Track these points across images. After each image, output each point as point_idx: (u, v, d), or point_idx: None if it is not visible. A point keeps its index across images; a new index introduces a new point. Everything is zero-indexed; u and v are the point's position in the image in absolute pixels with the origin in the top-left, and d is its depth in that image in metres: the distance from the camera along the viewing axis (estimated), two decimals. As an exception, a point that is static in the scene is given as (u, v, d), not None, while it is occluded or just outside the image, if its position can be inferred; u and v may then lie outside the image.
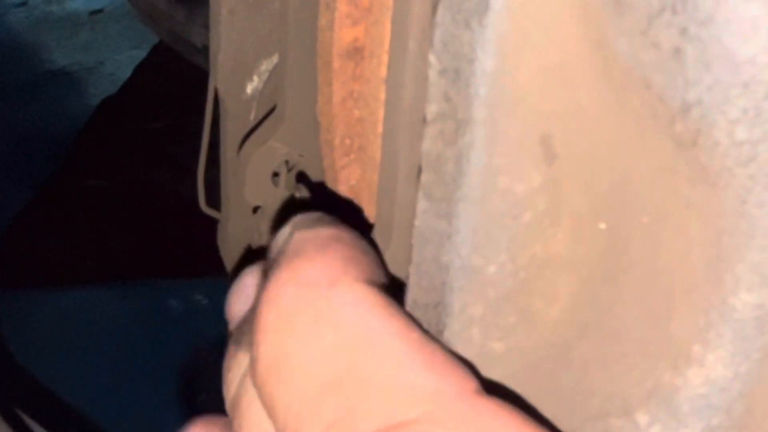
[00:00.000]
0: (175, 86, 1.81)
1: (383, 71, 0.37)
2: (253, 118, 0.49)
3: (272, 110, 0.47)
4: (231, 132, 0.49)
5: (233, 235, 0.50)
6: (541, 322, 0.30)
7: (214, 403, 0.38)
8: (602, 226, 0.29)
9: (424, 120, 0.29)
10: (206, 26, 0.50)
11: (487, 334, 0.30)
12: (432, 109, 0.28)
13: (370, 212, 0.41)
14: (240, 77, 0.49)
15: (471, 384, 0.27)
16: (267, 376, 0.29)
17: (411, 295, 0.31)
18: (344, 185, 0.44)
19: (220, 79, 0.49)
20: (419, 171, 0.30)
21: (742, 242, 0.25)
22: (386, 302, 0.29)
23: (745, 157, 0.23)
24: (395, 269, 0.34)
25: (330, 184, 0.44)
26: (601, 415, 0.29)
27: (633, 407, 0.28)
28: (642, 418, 0.28)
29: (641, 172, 0.27)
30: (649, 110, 0.24)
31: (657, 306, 0.28)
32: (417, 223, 0.30)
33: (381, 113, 0.37)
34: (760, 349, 0.26)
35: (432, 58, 0.28)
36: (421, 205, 0.30)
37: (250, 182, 0.46)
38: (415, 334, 0.28)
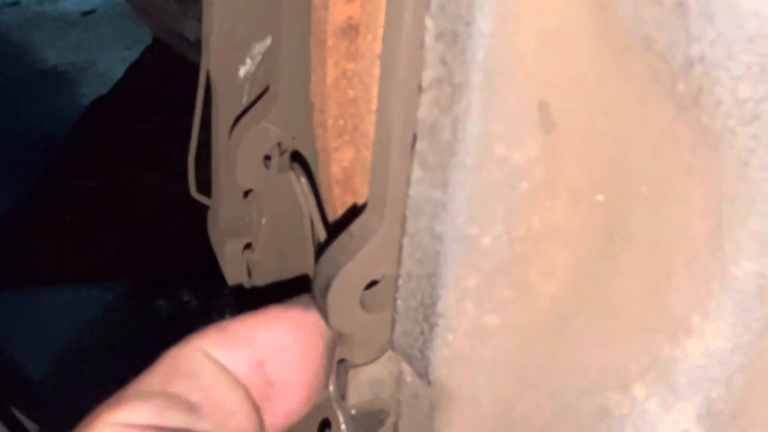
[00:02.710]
0: (166, 87, 1.81)
1: (378, 47, 0.36)
2: (245, 101, 0.48)
3: (265, 92, 0.46)
4: (223, 115, 0.48)
5: (224, 219, 0.49)
6: (537, 297, 0.30)
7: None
8: (600, 198, 0.29)
9: (419, 88, 0.29)
10: (199, 20, 0.49)
11: (481, 308, 0.29)
12: (428, 75, 0.28)
13: (363, 192, 0.41)
14: (232, 60, 0.48)
15: None
16: None
17: (404, 268, 0.31)
18: (337, 166, 0.43)
19: (212, 61, 0.48)
20: (414, 141, 0.30)
21: (743, 208, 0.24)
22: None
23: (748, 116, 0.22)
24: (388, 244, 0.34)
25: (322, 166, 0.43)
26: (597, 389, 0.28)
27: (630, 381, 0.27)
28: (639, 392, 0.27)
29: (641, 139, 0.26)
30: (650, 72, 0.24)
31: (656, 278, 0.27)
32: (411, 192, 0.29)
33: (376, 90, 0.36)
34: (761, 320, 0.26)
35: (428, 22, 0.27)
36: (416, 173, 0.29)
37: (242, 164, 0.45)
38: None
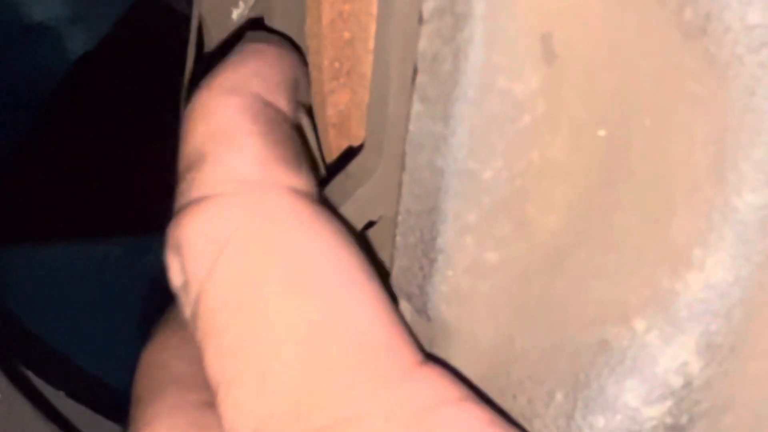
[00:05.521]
0: (156, 43, 1.79)
1: (376, -16, 0.36)
2: (238, 45, 0.48)
3: (259, 36, 0.46)
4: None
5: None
6: (536, 232, 0.30)
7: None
8: (601, 132, 0.28)
9: (420, 19, 0.28)
10: (189, -29, 0.48)
11: (481, 244, 0.29)
12: (429, 6, 0.27)
13: (359, 135, 0.40)
14: (225, 3, 0.47)
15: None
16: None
17: (404, 204, 0.31)
18: (332, 110, 0.43)
19: (204, 4, 0.48)
20: (414, 74, 0.29)
21: (748, 139, 0.24)
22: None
23: (757, 43, 0.22)
24: (386, 185, 0.34)
25: (317, 109, 0.43)
26: (597, 322, 0.28)
27: (630, 314, 0.27)
28: (639, 325, 0.27)
29: (644, 70, 0.26)
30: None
31: (657, 211, 0.27)
32: (411, 127, 0.29)
33: (373, 28, 0.36)
34: (762, 252, 0.26)
35: (430, -50, 0.27)
36: (416, 108, 0.29)
37: (236, 107, 0.45)
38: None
